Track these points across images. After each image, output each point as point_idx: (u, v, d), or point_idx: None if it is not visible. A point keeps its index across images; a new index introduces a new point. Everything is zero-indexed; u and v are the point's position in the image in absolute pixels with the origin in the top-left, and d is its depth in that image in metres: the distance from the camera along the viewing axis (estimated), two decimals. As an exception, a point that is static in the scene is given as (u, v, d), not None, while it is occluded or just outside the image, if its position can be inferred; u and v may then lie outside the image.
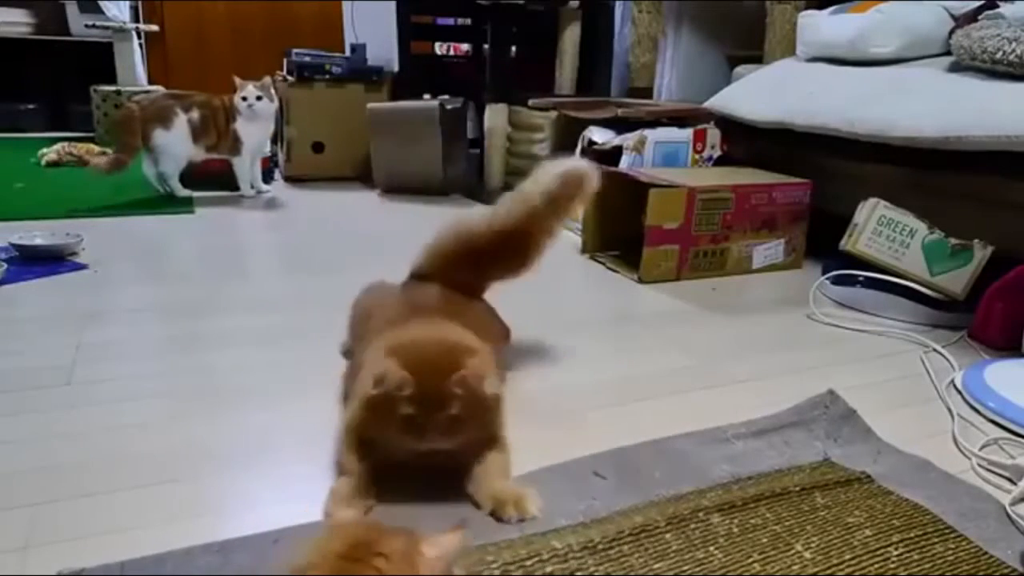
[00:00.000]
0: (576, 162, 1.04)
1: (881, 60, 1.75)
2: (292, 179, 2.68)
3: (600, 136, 2.08)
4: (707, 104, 2.12)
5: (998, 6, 1.65)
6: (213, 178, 2.38)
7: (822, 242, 1.63)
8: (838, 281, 1.50)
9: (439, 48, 3.88)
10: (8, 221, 1.92)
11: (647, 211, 1.58)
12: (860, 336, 1.34)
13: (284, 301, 1.45)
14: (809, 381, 1.08)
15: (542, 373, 1.14)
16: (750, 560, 0.70)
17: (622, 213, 1.75)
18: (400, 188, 2.50)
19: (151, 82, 3.70)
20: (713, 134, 2.03)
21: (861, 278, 1.44)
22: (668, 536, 0.72)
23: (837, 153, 1.69)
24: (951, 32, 1.65)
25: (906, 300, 1.40)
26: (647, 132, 1.97)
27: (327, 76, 2.66)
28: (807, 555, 0.70)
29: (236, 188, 2.36)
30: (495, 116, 2.51)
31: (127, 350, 1.17)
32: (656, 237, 1.60)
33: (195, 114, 2.22)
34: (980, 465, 0.90)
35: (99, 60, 3.60)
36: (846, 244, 1.46)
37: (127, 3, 3.68)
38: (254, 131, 2.28)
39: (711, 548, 0.71)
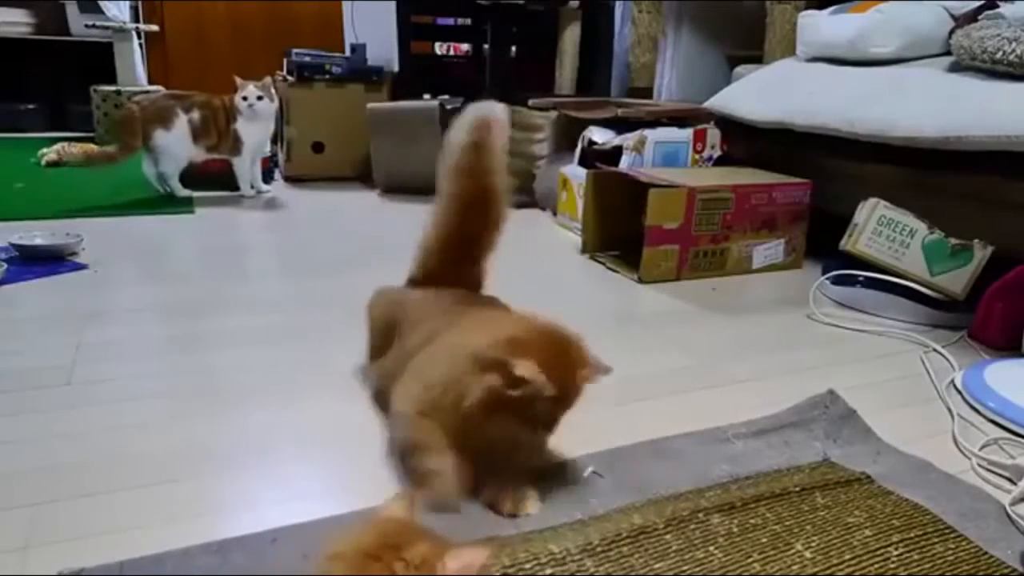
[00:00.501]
0: (481, 106, 1.01)
1: (881, 60, 1.75)
2: (292, 179, 2.68)
3: (600, 136, 2.08)
4: (707, 104, 2.12)
5: (998, 6, 1.65)
6: (213, 178, 2.38)
7: (822, 242, 1.63)
8: (838, 281, 1.50)
9: (439, 48, 3.88)
10: (8, 221, 1.92)
11: (647, 211, 1.58)
12: (860, 336, 1.34)
13: (284, 301, 1.45)
14: (809, 381, 1.08)
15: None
16: (750, 560, 0.69)
17: (622, 213, 1.75)
18: (400, 188, 2.50)
19: (151, 82, 3.70)
20: (713, 134, 2.03)
21: (861, 278, 1.44)
22: (668, 536, 0.72)
23: (837, 153, 1.69)
24: (951, 32, 1.65)
25: (906, 300, 1.40)
26: (647, 132, 1.97)
27: (327, 76, 2.66)
28: (807, 555, 0.70)
29: (236, 188, 2.36)
30: (495, 116, 2.50)
31: (127, 350, 1.17)
32: (656, 237, 1.60)
33: (195, 114, 2.22)
34: (980, 465, 0.90)
35: (99, 60, 3.60)
36: (846, 244, 1.46)
37: (127, 3, 3.67)
38: (254, 131, 2.28)
39: (711, 548, 0.71)
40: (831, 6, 1.93)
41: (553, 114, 2.31)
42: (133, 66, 3.55)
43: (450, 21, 3.48)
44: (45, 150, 2.81)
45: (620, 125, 2.11)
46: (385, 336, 1.00)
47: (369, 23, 3.23)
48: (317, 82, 2.65)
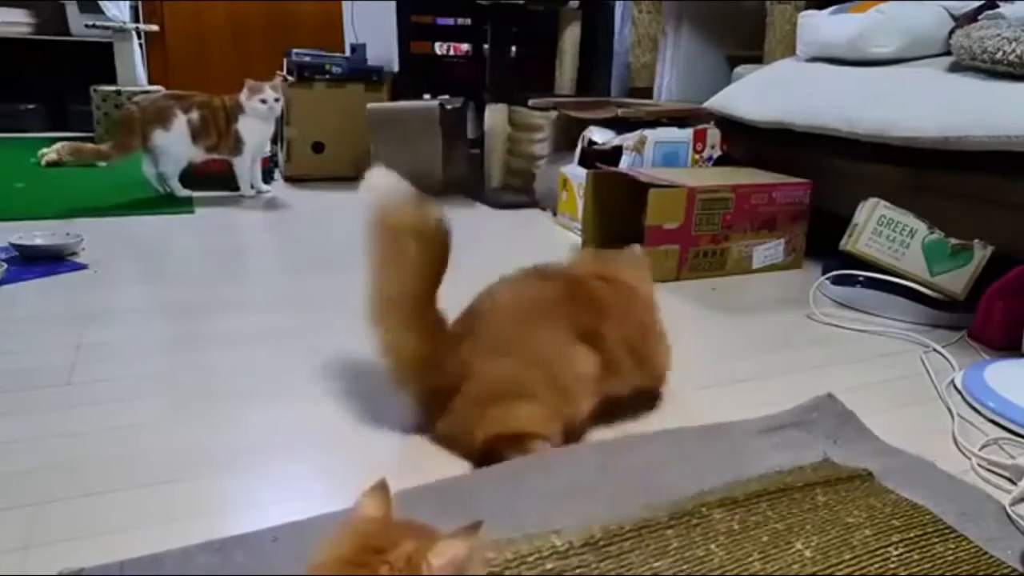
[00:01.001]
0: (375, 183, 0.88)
1: (881, 60, 1.75)
2: (292, 179, 2.68)
3: (600, 136, 2.08)
4: (707, 104, 2.12)
5: (998, 6, 1.65)
6: (213, 178, 2.38)
7: (822, 242, 1.64)
8: (838, 281, 1.50)
9: (439, 48, 3.88)
10: (8, 221, 1.92)
11: (647, 211, 1.58)
12: (860, 336, 1.34)
13: (284, 301, 1.45)
14: (809, 381, 1.08)
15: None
16: (750, 558, 0.69)
17: (622, 213, 1.75)
18: (400, 188, 2.50)
19: (151, 82, 3.70)
20: (713, 134, 2.03)
21: (861, 278, 1.45)
22: (669, 533, 0.72)
23: (837, 153, 1.69)
24: (951, 32, 1.65)
25: (906, 300, 1.40)
26: (647, 132, 1.97)
27: (327, 76, 2.66)
28: (807, 554, 0.70)
29: (236, 188, 2.36)
30: (495, 116, 2.51)
31: (127, 350, 1.17)
32: (656, 237, 1.60)
33: (195, 115, 2.22)
34: (980, 465, 0.90)
35: (99, 60, 3.60)
36: (846, 244, 1.46)
37: (127, 3, 3.67)
38: (257, 131, 2.29)
39: (712, 545, 0.71)
40: (831, 6, 1.93)
41: (553, 114, 2.31)
42: (133, 66, 3.55)
43: (450, 21, 3.48)
44: (45, 150, 2.81)
45: (620, 125, 2.11)
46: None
47: (369, 23, 3.23)
48: (317, 82, 2.65)
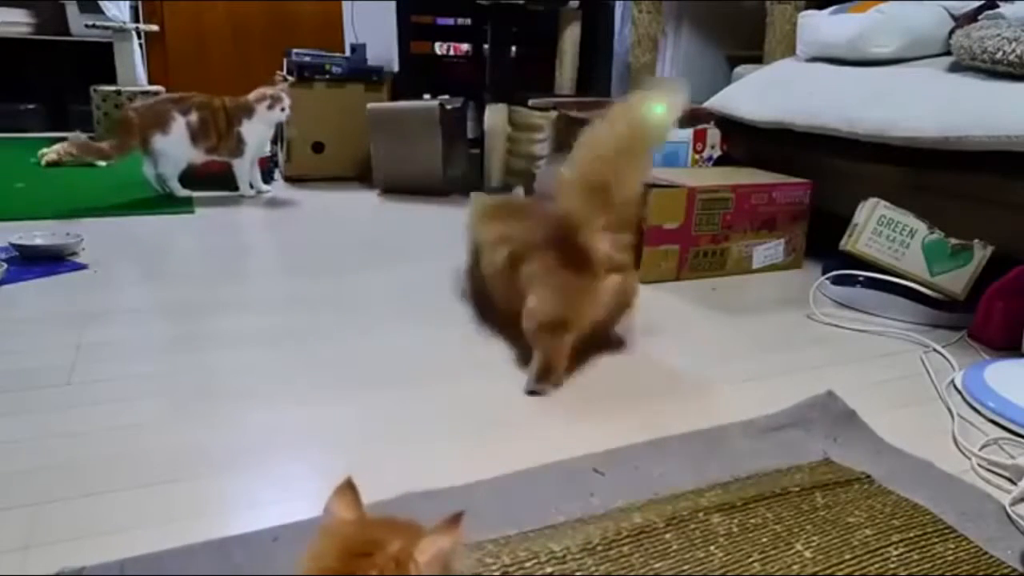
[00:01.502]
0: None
1: (881, 60, 1.75)
2: (292, 179, 2.68)
3: (600, 136, 2.07)
4: (707, 104, 2.12)
5: (998, 6, 1.65)
6: (213, 178, 2.38)
7: (822, 242, 1.64)
8: (838, 281, 1.50)
9: (439, 48, 3.87)
10: (8, 221, 1.92)
11: (647, 211, 1.58)
12: (860, 336, 1.34)
13: (284, 301, 1.45)
14: (809, 381, 1.08)
15: (542, 373, 1.13)
16: (750, 560, 0.70)
17: (622, 213, 1.75)
18: (400, 188, 2.50)
19: (151, 82, 3.70)
20: (713, 134, 2.03)
21: (861, 278, 1.45)
22: (668, 536, 0.72)
23: (837, 153, 1.69)
24: (951, 32, 1.65)
25: (906, 300, 1.40)
26: (647, 132, 1.97)
27: (327, 76, 2.66)
28: (807, 555, 0.70)
29: (236, 188, 2.36)
30: (495, 116, 2.51)
31: (127, 350, 1.17)
32: (656, 237, 1.60)
33: (194, 116, 2.22)
34: (980, 465, 0.90)
35: (99, 60, 3.60)
36: (846, 244, 1.46)
37: (127, 3, 3.67)
38: (259, 133, 2.29)
39: (711, 548, 0.71)
40: (831, 6, 1.93)
41: (553, 114, 2.31)
42: (133, 66, 3.55)
43: (450, 21, 3.48)
44: (45, 150, 2.81)
45: (620, 125, 2.10)
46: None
47: (369, 23, 3.23)
48: (317, 82, 2.65)
